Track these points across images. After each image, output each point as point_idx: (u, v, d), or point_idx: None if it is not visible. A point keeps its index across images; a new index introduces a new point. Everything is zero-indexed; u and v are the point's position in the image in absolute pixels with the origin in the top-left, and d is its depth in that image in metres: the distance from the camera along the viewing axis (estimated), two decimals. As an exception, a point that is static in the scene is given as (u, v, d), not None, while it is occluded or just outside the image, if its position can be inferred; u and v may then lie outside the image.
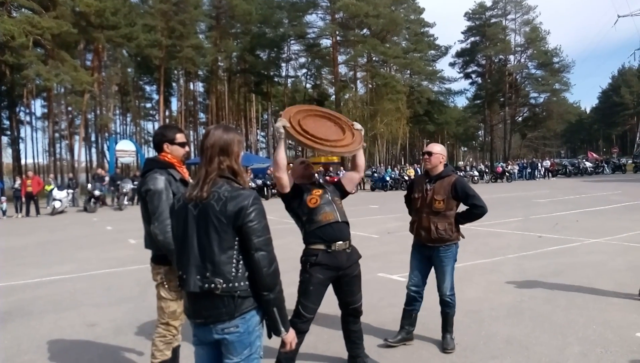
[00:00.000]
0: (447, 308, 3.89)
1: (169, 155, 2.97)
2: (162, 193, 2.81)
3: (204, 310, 1.95)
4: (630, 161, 39.81)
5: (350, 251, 3.25)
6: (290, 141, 3.18)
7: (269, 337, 2.04)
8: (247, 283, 1.94)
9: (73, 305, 5.48)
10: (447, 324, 3.90)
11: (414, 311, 3.95)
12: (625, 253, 7.23)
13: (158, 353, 2.91)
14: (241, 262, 1.94)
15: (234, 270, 1.93)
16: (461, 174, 30.81)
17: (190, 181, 2.66)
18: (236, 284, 1.92)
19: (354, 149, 3.28)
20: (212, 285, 1.91)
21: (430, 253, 3.83)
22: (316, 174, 3.44)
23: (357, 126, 3.45)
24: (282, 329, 1.98)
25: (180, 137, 3.01)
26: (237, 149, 2.05)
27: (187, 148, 3.08)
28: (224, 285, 1.91)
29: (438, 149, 3.86)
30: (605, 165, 36.53)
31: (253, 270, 1.93)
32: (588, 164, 36.16)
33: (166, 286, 2.90)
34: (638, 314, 4.44)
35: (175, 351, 3.03)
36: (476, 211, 3.82)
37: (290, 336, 2.04)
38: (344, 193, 3.46)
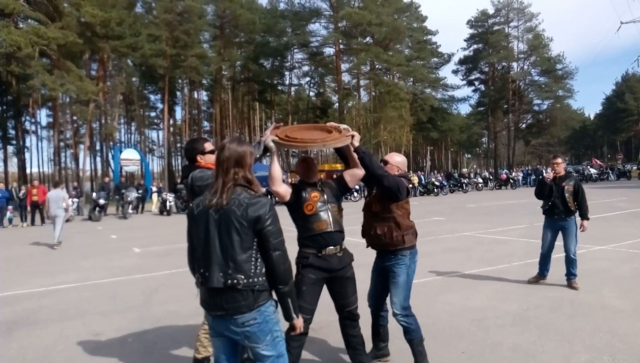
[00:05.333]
0: (406, 334, 3.41)
1: (203, 162, 3.25)
2: (207, 173, 3.05)
3: (225, 303, 2.17)
4: (635, 168, 39.63)
5: (342, 255, 3.28)
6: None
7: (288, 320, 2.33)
8: (264, 278, 2.20)
9: (78, 314, 5.48)
10: (414, 354, 3.40)
11: (380, 327, 3.69)
12: (631, 260, 7.19)
13: (202, 348, 3.10)
14: (259, 260, 2.20)
15: (253, 267, 2.18)
16: (465, 181, 30.90)
17: None
18: (255, 279, 2.17)
19: (345, 139, 3.22)
20: (235, 281, 2.15)
21: (382, 264, 3.51)
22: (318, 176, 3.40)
23: (343, 125, 3.36)
24: (294, 315, 2.31)
25: (208, 146, 3.31)
26: (250, 160, 2.30)
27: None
28: (245, 281, 2.15)
29: (397, 160, 3.62)
30: (610, 171, 36.34)
31: (271, 267, 2.21)
32: (592, 170, 35.98)
33: None
34: (645, 322, 4.41)
35: None
36: (377, 163, 3.31)
37: (300, 321, 2.37)
38: (345, 189, 3.42)
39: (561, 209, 5.75)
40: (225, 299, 2.16)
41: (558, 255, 6.32)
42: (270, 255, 2.19)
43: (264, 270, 2.20)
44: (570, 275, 5.78)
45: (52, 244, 11.28)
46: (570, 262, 5.76)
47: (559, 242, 5.88)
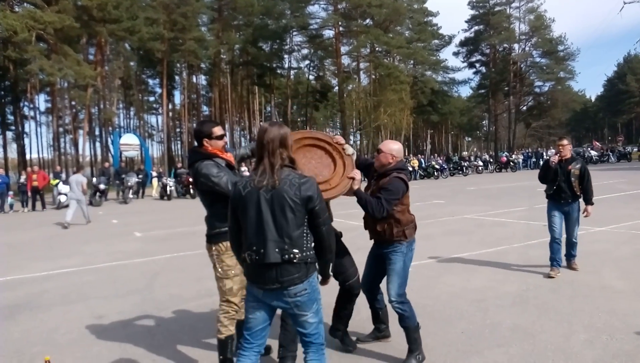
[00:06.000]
0: (401, 321, 3.37)
1: (210, 147, 3.19)
2: (212, 172, 3.06)
3: (280, 276, 2.32)
4: (635, 150, 39.54)
5: None
6: None
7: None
8: (313, 252, 2.40)
9: (80, 298, 5.52)
10: (409, 341, 3.37)
11: (378, 309, 3.72)
12: (630, 241, 7.21)
13: (223, 328, 3.13)
14: (309, 235, 2.38)
15: (305, 241, 2.36)
16: (465, 164, 30.87)
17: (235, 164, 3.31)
18: (307, 253, 2.36)
19: (347, 186, 3.25)
20: (291, 256, 2.31)
21: (379, 251, 3.48)
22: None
23: (349, 150, 3.31)
24: (330, 274, 2.70)
25: (217, 130, 3.23)
26: (290, 140, 2.43)
27: (225, 139, 3.29)
28: (300, 255, 2.33)
29: (391, 147, 3.40)
30: (611, 154, 36.27)
31: (321, 240, 2.41)
32: (593, 153, 35.90)
33: (218, 267, 3.12)
34: (644, 302, 4.44)
35: (239, 325, 3.15)
36: (373, 205, 3.24)
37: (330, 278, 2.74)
38: None
39: (568, 194, 5.54)
40: (281, 272, 2.32)
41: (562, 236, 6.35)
42: (320, 229, 2.38)
43: (312, 244, 2.39)
44: (570, 256, 5.76)
45: (64, 225, 12.41)
46: (571, 245, 5.73)
47: None
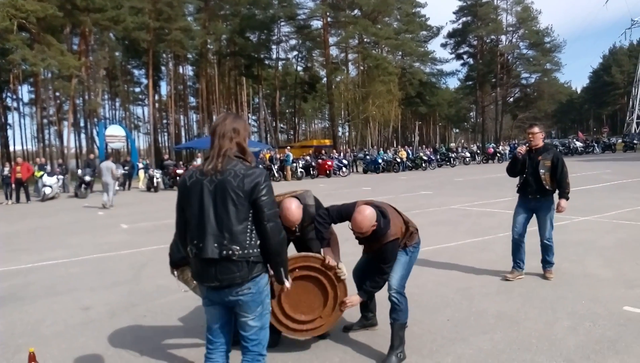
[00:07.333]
0: (392, 312, 3.28)
1: None
2: None
3: (219, 274, 2.18)
4: (620, 141, 40.15)
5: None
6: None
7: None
8: (258, 250, 2.21)
9: (66, 290, 5.47)
10: (393, 336, 3.25)
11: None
12: (614, 231, 7.33)
13: None
14: (254, 231, 2.20)
15: (248, 238, 2.18)
16: (453, 155, 31.04)
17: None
18: (250, 251, 2.18)
19: (336, 320, 3.42)
20: (230, 252, 2.15)
21: None
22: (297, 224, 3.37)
23: (343, 274, 3.27)
24: (285, 280, 2.35)
25: None
26: (245, 132, 2.31)
27: None
28: (240, 252, 2.16)
29: (369, 224, 3.07)
30: (596, 145, 36.79)
31: (265, 238, 2.20)
32: (578, 144, 36.42)
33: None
34: (626, 289, 4.52)
35: None
36: (378, 288, 3.32)
37: (289, 283, 2.43)
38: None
39: (534, 188, 4.91)
40: (220, 270, 2.17)
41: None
42: (264, 226, 2.18)
43: (258, 241, 2.21)
44: (545, 263, 5.04)
45: (102, 205, 13.88)
46: (545, 249, 5.00)
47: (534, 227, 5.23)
